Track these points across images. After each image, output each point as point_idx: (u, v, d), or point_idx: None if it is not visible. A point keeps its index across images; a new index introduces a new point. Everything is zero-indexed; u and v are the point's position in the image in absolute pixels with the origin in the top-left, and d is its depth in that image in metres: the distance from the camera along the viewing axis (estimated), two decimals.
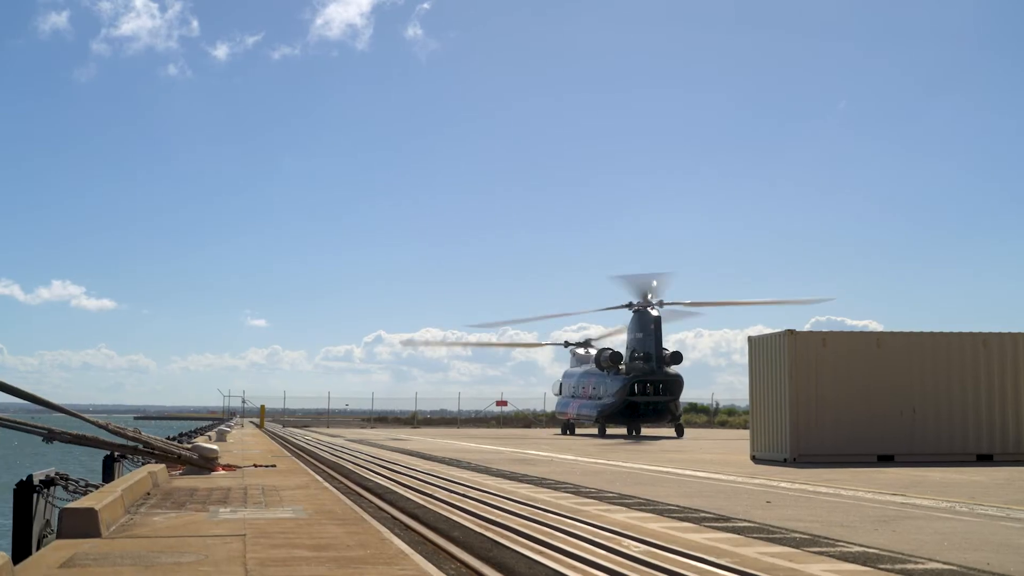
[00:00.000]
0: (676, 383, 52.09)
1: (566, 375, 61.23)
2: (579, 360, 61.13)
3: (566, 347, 64.22)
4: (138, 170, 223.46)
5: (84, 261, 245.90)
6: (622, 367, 53.73)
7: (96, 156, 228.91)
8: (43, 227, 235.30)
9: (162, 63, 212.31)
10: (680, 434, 50.03)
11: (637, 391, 51.90)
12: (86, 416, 17.07)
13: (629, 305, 54.12)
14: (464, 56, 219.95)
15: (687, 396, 62.97)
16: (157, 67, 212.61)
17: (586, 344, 62.70)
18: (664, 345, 52.44)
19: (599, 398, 54.17)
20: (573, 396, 58.18)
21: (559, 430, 59.57)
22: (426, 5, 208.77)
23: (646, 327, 52.40)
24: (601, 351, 56.21)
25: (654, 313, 52.49)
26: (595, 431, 54.30)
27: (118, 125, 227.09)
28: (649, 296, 53.35)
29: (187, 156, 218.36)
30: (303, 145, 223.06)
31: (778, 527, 10.63)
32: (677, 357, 52.41)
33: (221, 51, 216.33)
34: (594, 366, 56.11)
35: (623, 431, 53.05)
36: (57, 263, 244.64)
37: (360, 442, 38.35)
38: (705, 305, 56.84)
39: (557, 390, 62.07)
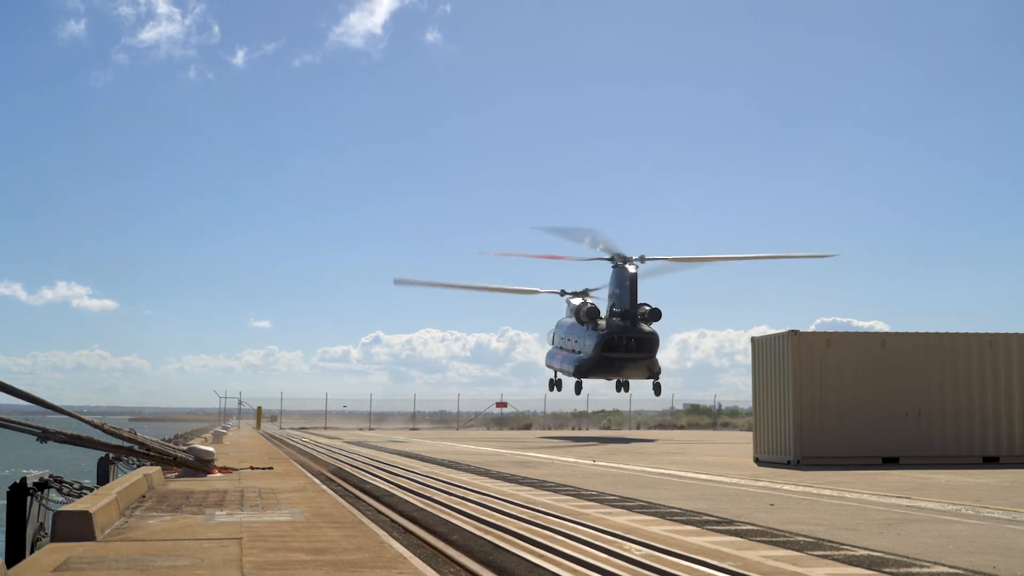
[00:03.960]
0: (651, 340, 51.11)
1: (558, 325, 60.12)
2: (572, 311, 60.50)
3: (562, 296, 63.36)
4: (146, 172, 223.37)
5: (90, 262, 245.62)
6: (601, 322, 52.98)
7: (104, 158, 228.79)
8: (50, 228, 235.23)
9: (181, 68, 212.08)
10: (657, 392, 50.75)
11: (612, 347, 51.28)
12: (83, 416, 16.99)
13: (612, 259, 53.19)
14: (476, 58, 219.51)
15: (689, 397, 63.03)
16: (173, 72, 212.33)
17: (583, 294, 62.12)
18: (645, 301, 51.29)
19: (577, 352, 53.95)
20: (560, 348, 57.89)
21: (560, 432, 59.41)
22: (447, 8, 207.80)
23: (623, 282, 51.36)
24: (581, 304, 54.99)
25: (631, 269, 51.34)
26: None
27: (132, 127, 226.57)
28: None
29: (189, 157, 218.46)
30: (308, 147, 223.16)
31: (782, 530, 10.54)
32: (656, 314, 51.15)
33: (239, 57, 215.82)
34: (575, 319, 55.55)
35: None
36: (64, 264, 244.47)
37: (358, 444, 38.30)
38: (688, 261, 55.68)
39: (551, 340, 61.45)
